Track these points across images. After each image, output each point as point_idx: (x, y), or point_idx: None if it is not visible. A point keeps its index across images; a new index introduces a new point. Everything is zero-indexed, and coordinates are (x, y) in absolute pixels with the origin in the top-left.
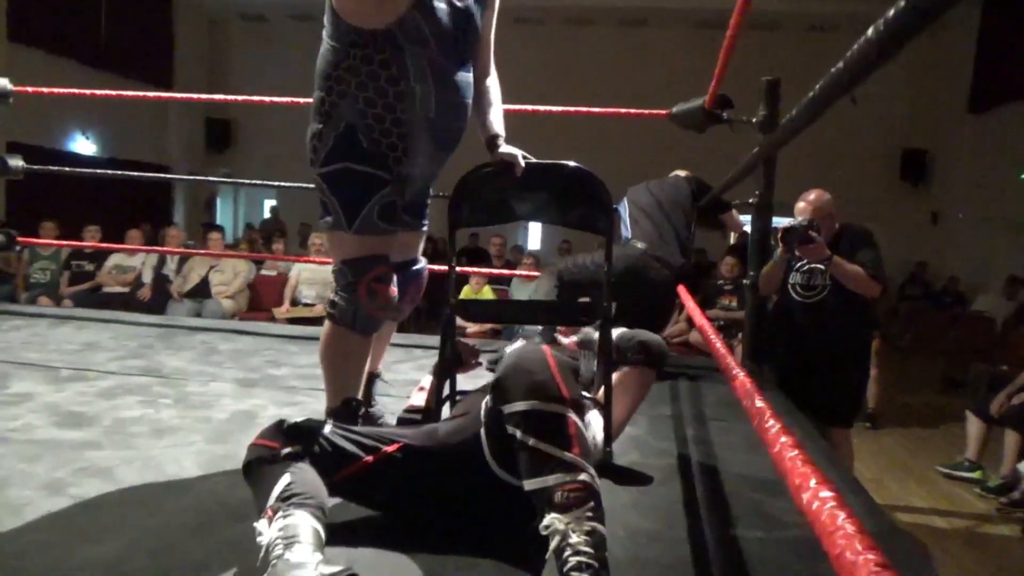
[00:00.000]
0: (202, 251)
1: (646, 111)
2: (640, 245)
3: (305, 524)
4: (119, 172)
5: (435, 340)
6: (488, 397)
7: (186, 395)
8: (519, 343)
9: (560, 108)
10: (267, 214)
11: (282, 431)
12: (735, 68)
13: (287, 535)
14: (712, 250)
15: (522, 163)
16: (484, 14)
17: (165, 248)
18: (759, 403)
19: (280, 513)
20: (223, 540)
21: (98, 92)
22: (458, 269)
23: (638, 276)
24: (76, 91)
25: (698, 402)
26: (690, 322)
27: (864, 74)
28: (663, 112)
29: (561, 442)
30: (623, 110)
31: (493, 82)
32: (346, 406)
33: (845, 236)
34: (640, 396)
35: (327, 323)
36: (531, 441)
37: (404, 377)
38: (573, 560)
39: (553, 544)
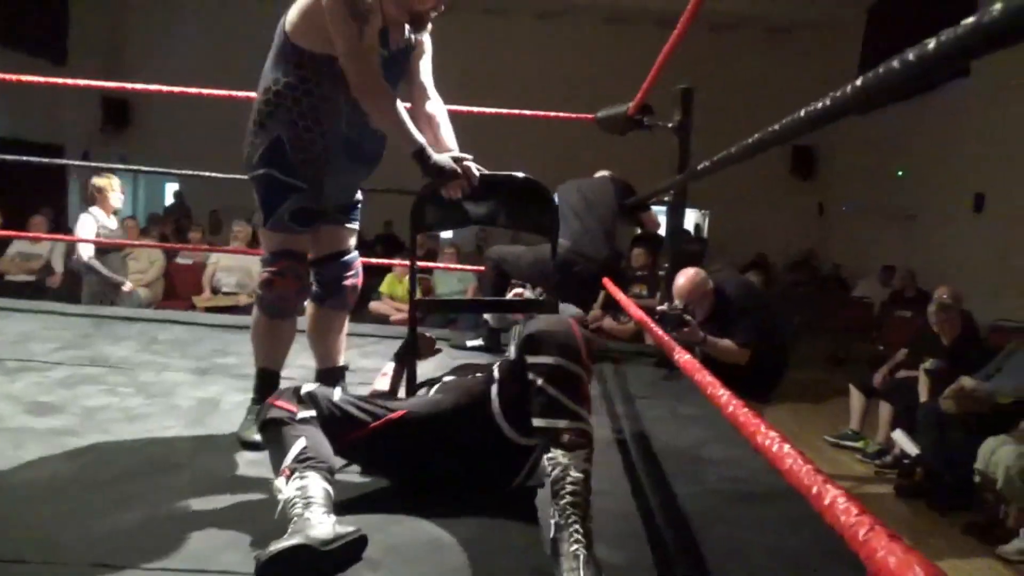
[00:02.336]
0: (121, 241)
1: (573, 115)
2: (565, 242)
3: (318, 486)
4: (15, 157)
5: (374, 329)
6: (508, 353)
7: (144, 384)
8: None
9: (494, 110)
10: (170, 199)
11: (298, 396)
12: (644, 67)
13: (304, 495)
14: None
15: (477, 175)
16: (414, 55)
17: (79, 238)
18: (708, 377)
19: (297, 474)
20: (231, 506)
21: None
22: (381, 261)
23: (564, 269)
24: None
25: (623, 382)
26: (604, 309)
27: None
28: (590, 116)
29: (576, 397)
30: (552, 114)
31: (436, 105)
32: (261, 374)
33: (720, 301)
34: None
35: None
36: (551, 390)
37: (353, 365)
38: (568, 494)
39: (554, 473)
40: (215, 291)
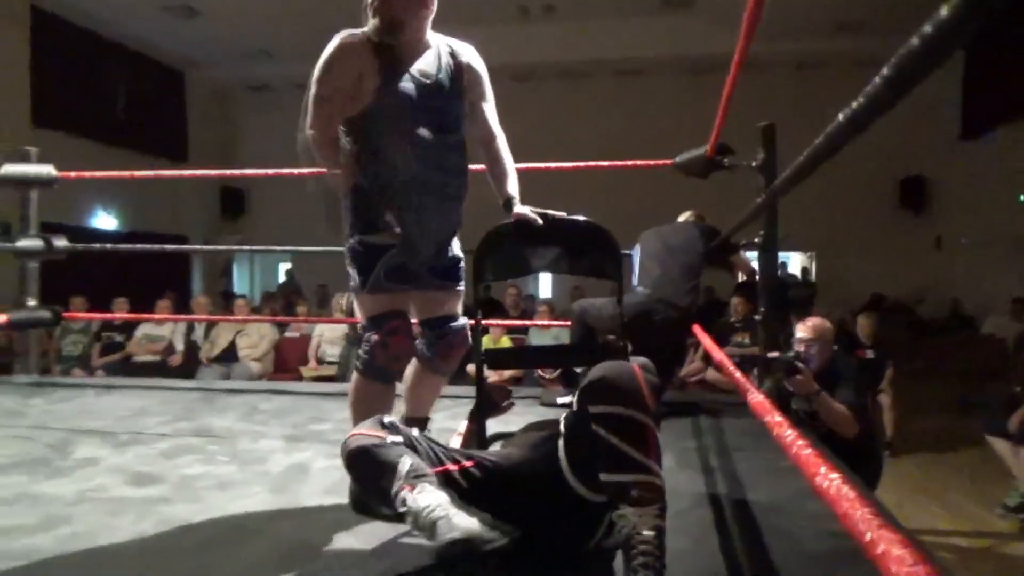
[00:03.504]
0: (231, 317)
1: (652, 162)
2: (644, 290)
3: (444, 497)
4: (145, 246)
5: (463, 390)
6: (571, 405)
7: (240, 452)
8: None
9: (571, 164)
10: (282, 277)
11: (384, 426)
12: (731, 110)
13: (439, 502)
14: (720, 289)
15: (539, 221)
16: (463, 86)
17: (197, 316)
18: (777, 417)
19: (418, 488)
20: (302, 572)
21: (124, 173)
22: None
23: (645, 318)
24: (110, 174)
25: (720, 435)
26: (706, 360)
27: (867, 121)
28: (668, 161)
29: (641, 447)
30: (631, 162)
31: (501, 145)
32: None
33: (836, 362)
34: None
35: (354, 374)
36: (615, 440)
37: (439, 427)
38: (640, 555)
39: (624, 532)
40: (320, 361)
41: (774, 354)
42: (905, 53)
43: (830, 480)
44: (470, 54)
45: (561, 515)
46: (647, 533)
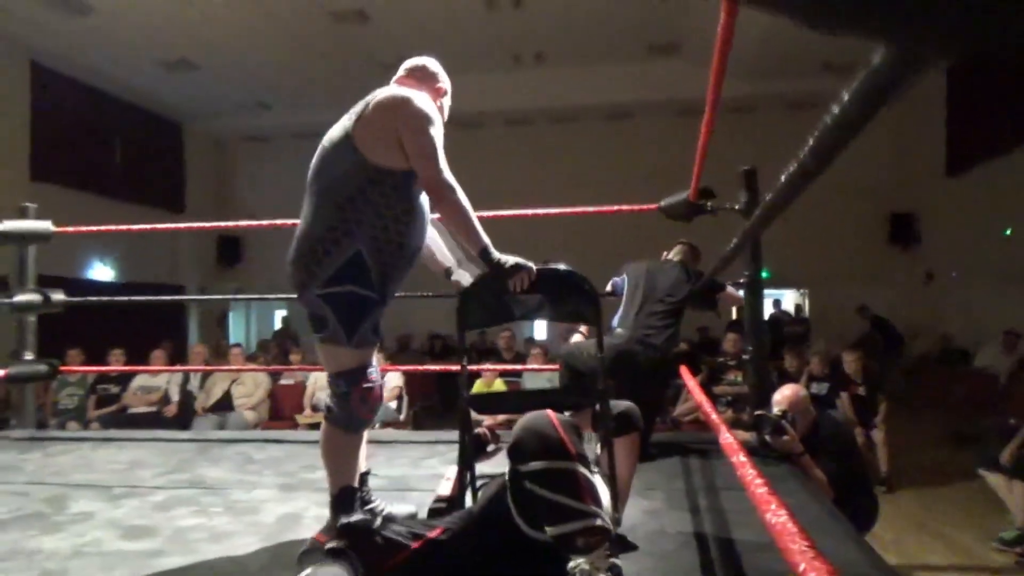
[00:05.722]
0: (226, 367)
1: (638, 207)
2: (624, 332)
3: None
4: (141, 298)
5: (451, 435)
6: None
7: (233, 503)
8: None
9: (557, 210)
10: (278, 324)
11: (336, 528)
12: (717, 151)
13: None
14: (713, 328)
15: (534, 268)
16: None
17: (191, 367)
18: (742, 457)
19: None
20: None
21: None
22: (469, 367)
23: (625, 360)
24: (107, 228)
25: (710, 475)
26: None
27: (831, 155)
28: (653, 206)
29: (573, 493)
30: (615, 208)
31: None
32: (344, 492)
33: (820, 429)
34: (635, 457)
35: (325, 425)
36: (548, 495)
37: (431, 472)
38: None
39: None
40: (315, 408)
41: (760, 412)
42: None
43: (777, 517)
44: None
45: (525, 562)
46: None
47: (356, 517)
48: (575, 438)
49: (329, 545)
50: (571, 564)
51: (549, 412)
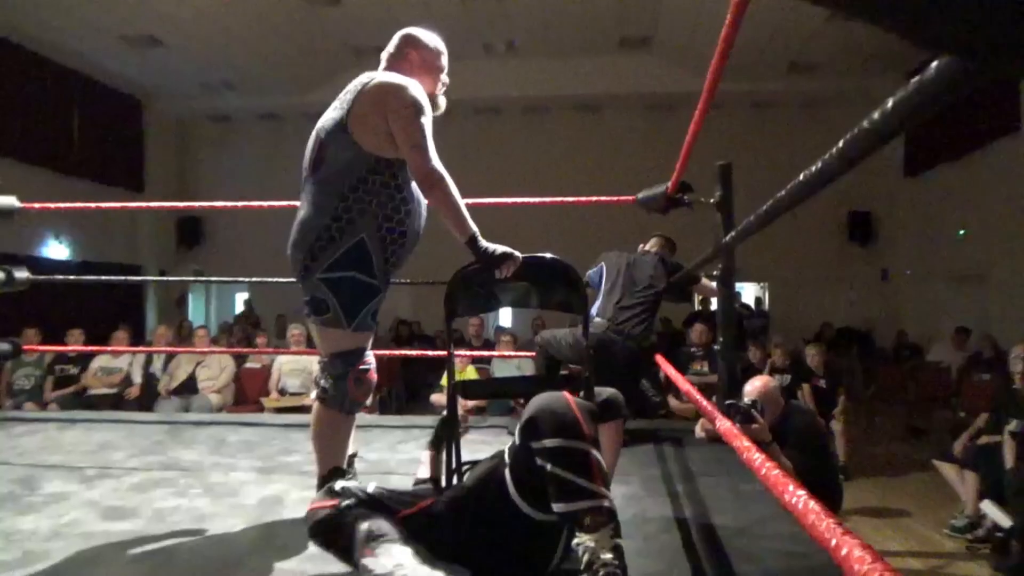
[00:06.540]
0: (192, 349)
1: (614, 198)
2: (603, 321)
3: (405, 553)
4: (104, 277)
5: (426, 420)
6: (515, 437)
7: (212, 485)
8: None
9: (536, 200)
10: (239, 307)
11: (335, 493)
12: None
13: (399, 561)
14: (676, 319)
15: (520, 256)
16: None
17: (156, 348)
18: (746, 443)
19: (378, 550)
20: None
21: (88, 204)
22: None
23: (605, 349)
24: (72, 205)
25: (684, 461)
26: (667, 388)
27: (817, 188)
28: (630, 198)
29: (585, 473)
30: (593, 199)
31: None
32: (332, 474)
33: (789, 420)
34: (619, 444)
35: (318, 406)
36: (560, 472)
37: (409, 456)
38: (603, 571)
39: (585, 559)
40: (282, 392)
41: (731, 401)
42: (856, 132)
43: (797, 497)
44: None
45: (518, 539)
46: (607, 556)
47: (351, 483)
48: (590, 420)
49: (345, 503)
50: (576, 541)
51: (566, 393)
